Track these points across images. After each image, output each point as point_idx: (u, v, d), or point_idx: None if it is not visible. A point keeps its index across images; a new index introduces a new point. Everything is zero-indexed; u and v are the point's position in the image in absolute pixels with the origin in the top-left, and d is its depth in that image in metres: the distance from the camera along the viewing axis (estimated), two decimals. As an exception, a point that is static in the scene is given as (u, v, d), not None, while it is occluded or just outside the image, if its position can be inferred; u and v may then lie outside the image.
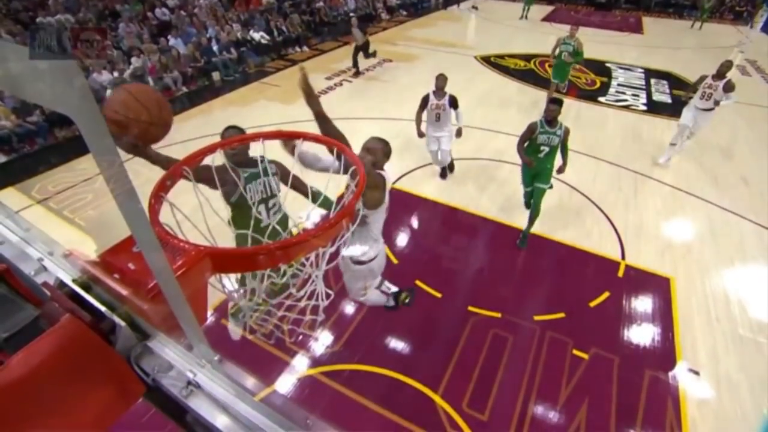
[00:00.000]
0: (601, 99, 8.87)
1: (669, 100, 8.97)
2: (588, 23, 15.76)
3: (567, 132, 4.31)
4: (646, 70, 10.71)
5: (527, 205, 4.88)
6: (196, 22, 10.47)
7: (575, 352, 3.63)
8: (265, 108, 8.30)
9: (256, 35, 11.13)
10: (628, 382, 3.40)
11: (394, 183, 5.84)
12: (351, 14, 13.23)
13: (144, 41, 9.38)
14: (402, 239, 4.90)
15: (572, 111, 8.24)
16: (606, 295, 4.20)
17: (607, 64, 11.01)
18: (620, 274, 4.45)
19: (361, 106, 8.30)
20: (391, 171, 5.81)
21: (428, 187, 5.80)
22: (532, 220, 4.67)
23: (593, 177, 6.09)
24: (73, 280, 0.96)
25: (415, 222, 5.22)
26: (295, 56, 11.53)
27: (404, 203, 5.46)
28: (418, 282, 4.26)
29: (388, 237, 4.88)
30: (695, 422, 3.13)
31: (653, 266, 4.53)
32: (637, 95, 9.16)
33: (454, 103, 5.37)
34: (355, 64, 9.93)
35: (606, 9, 19.26)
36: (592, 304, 4.11)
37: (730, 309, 4.06)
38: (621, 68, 10.82)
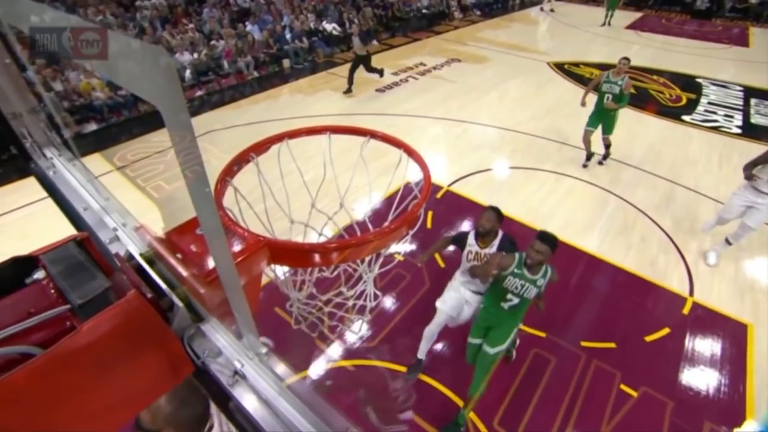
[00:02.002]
0: (686, 117, 8.12)
1: (771, 124, 8.01)
2: (681, 33, 14.47)
3: (552, 280, 2.85)
4: (746, 89, 9.63)
5: (470, 359, 3.20)
6: (273, 10, 10.87)
7: (623, 387, 3.38)
8: (329, 98, 8.47)
9: (329, 26, 11.36)
10: (682, 430, 3.10)
11: (450, 186, 5.74)
12: (354, 21, 11.03)
13: (224, 26, 9.90)
14: (450, 244, 4.80)
15: (650, 127, 7.63)
16: (666, 331, 3.86)
17: (698, 80, 10.05)
18: (685, 311, 4.07)
19: (425, 104, 8.22)
20: (447, 174, 5.73)
21: (483, 192, 5.63)
22: (470, 397, 3.06)
23: (666, 202, 5.61)
24: (141, 254, 1.01)
25: (466, 227, 5.10)
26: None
27: (458, 207, 5.35)
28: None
29: (438, 239, 4.80)
30: (758, 489, 2.80)
31: (728, 308, 4.09)
32: (731, 116, 8.27)
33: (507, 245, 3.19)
34: (350, 79, 8.49)
35: (705, 17, 17.36)
36: (649, 338, 3.80)
37: (817, 369, 3.58)
38: (714, 84, 9.82)
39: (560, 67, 10.50)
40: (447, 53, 11.29)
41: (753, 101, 9.00)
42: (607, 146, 6.16)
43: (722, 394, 3.37)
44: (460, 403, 3.20)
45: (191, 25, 9.56)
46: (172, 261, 0.94)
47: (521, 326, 3.59)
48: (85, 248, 0.93)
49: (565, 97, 8.83)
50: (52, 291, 0.83)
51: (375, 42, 9.46)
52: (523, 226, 5.07)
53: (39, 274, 0.87)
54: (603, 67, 10.55)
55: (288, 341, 3.51)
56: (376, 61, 10.73)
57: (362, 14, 12.18)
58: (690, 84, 9.77)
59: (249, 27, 10.16)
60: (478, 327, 3.13)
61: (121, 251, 1.04)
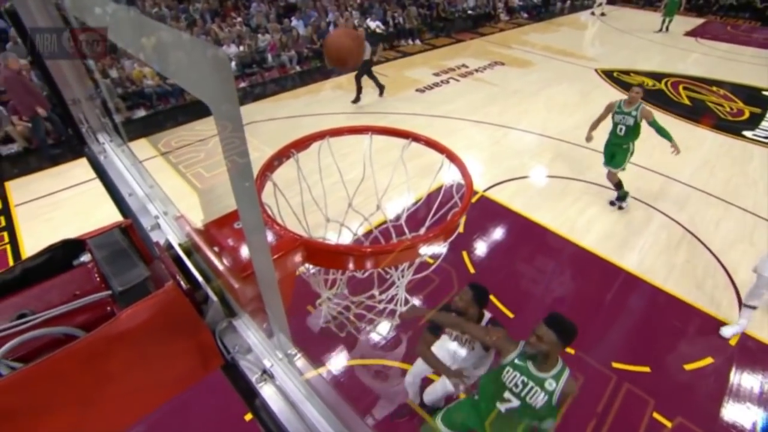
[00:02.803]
0: (747, 133, 7.57)
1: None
2: (749, 41, 13.50)
3: (568, 392, 2.08)
4: (818, 104, 8.89)
5: None
6: (319, 6, 11.02)
7: (656, 415, 3.19)
8: (370, 96, 8.48)
9: (372, 24, 11.40)
10: (720, 469, 2.90)
11: (485, 191, 5.62)
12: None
13: (270, 20, 10.12)
14: (481, 249, 4.70)
15: (705, 142, 7.18)
16: (708, 360, 3.62)
17: (765, 92, 9.36)
18: (733, 342, 3.80)
19: (465, 106, 8.09)
20: (484, 179, 5.62)
21: (519, 200, 5.48)
22: None
23: (717, 222, 5.26)
24: (179, 244, 1.02)
25: (499, 234, 4.98)
26: (406, 48, 11.60)
27: (492, 213, 5.23)
28: (491, 297, 4.06)
29: (469, 244, 4.72)
30: None
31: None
32: (799, 134, 7.66)
33: None
34: (358, 88, 8.06)
35: (775, 24, 15.93)
36: (688, 367, 3.57)
37: None
38: (782, 99, 9.12)
39: (609, 75, 10.05)
40: (490, 56, 11.07)
41: (824, 119, 8.29)
42: (616, 185, 5.27)
43: (768, 434, 3.13)
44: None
45: (239, 19, 9.84)
46: (209, 254, 0.95)
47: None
48: (129, 235, 0.95)
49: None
50: (96, 276, 0.86)
51: (380, 47, 9.33)
52: (558, 237, 4.90)
53: (85, 258, 0.90)
54: (656, 76, 10.05)
55: (315, 339, 3.55)
56: (419, 60, 10.73)
57: (407, 12, 12.14)
58: (755, 97, 9.11)
59: (294, 22, 10.35)
60: (457, 422, 2.42)
61: (161, 240, 1.07)
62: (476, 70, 9.98)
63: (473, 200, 5.35)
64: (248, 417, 2.99)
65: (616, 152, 5.16)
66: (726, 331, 3.80)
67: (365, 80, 8.07)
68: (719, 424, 3.17)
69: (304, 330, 3.51)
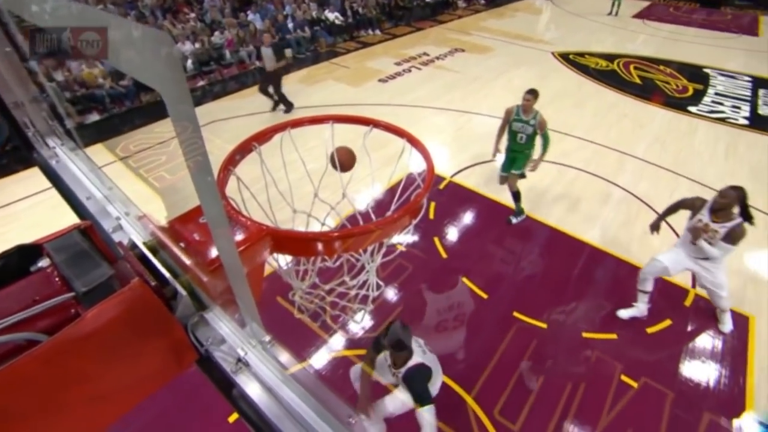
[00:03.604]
0: (692, 108, 8.03)
1: (780, 115, 7.92)
2: (689, 22, 14.22)
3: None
4: (755, 79, 9.50)
5: None
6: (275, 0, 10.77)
7: (623, 377, 3.39)
8: (333, 88, 8.41)
9: (331, 15, 11.25)
10: (682, 421, 3.12)
11: (453, 177, 5.72)
12: (261, 30, 9.49)
13: (225, 15, 9.81)
14: (452, 234, 4.80)
15: (656, 119, 7.56)
16: (667, 323, 3.86)
17: (705, 70, 9.92)
18: (687, 303, 4.07)
19: (428, 94, 8.16)
20: (450, 164, 5.71)
21: (486, 184, 5.61)
22: None
23: (670, 194, 5.56)
24: (144, 243, 1.01)
25: (468, 218, 5.09)
26: (367, 39, 11.54)
27: (461, 198, 5.34)
28: (464, 279, 4.17)
29: (440, 230, 4.81)
30: (757, 480, 2.82)
31: (730, 301, 4.08)
32: (738, 107, 8.17)
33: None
34: (276, 97, 7.21)
35: (714, 6, 16.91)
36: (650, 330, 3.80)
37: (818, 361, 3.58)
38: (722, 75, 9.69)
39: (565, 57, 10.38)
40: (450, 43, 11.19)
41: (762, 92, 8.88)
42: (515, 194, 4.92)
43: (722, 385, 3.38)
44: (465, 395, 3.22)
45: (193, 14, 9.49)
46: (176, 249, 0.94)
47: (520, 316, 3.62)
48: (89, 237, 0.93)
49: (569, 87, 8.75)
50: (57, 279, 0.84)
51: (288, 56, 8.62)
52: (525, 217, 5.06)
53: (43, 263, 0.88)
54: (608, 57, 10.45)
55: (290, 331, 3.54)
56: (380, 50, 10.69)
57: (365, 2, 12.05)
58: (697, 74, 9.65)
59: (251, 16, 10.08)
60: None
61: (125, 240, 1.05)
62: (437, 58, 10.06)
63: (441, 187, 5.44)
64: (232, 419, 2.97)
65: (517, 158, 4.82)
66: (622, 313, 3.86)
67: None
68: (678, 380, 3.41)
69: (278, 323, 3.50)
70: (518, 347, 3.58)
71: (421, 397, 2.27)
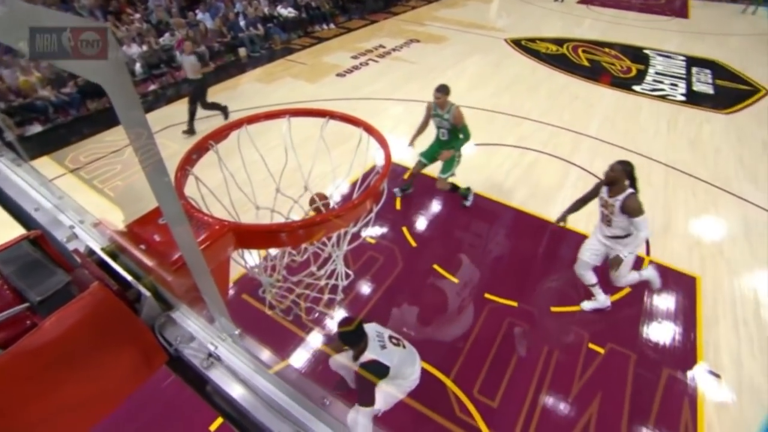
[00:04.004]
0: (636, 88, 8.47)
1: (711, 91, 8.50)
2: (629, 6, 14.95)
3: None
4: (688, 58, 10.13)
5: None
6: (225, -4, 10.43)
7: (591, 345, 3.59)
8: (291, 85, 8.29)
9: (284, 11, 11.03)
10: (644, 379, 3.34)
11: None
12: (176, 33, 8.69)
13: (173, 15, 9.43)
14: (421, 223, 4.88)
15: (605, 99, 7.93)
16: (627, 290, 4.10)
17: (645, 51, 10.48)
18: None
19: (387, 86, 8.19)
20: (414, 155, 5.76)
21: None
22: None
23: (622, 169, 5.88)
24: (102, 249, 0.98)
25: (435, 207, 5.18)
26: (321, 33, 11.40)
27: (426, 187, 5.41)
28: (435, 266, 4.25)
29: (408, 220, 4.87)
30: (712, 425, 3.07)
31: (679, 264, 4.38)
32: (676, 85, 8.70)
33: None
34: (191, 118, 6.42)
35: (651, -9, 17.84)
36: (612, 299, 4.02)
37: (759, 313, 3.91)
38: (660, 55, 10.27)
39: (517, 44, 10.66)
40: (405, 34, 11.24)
41: (694, 70, 9.50)
42: (452, 190, 4.97)
43: (677, 342, 3.64)
44: (445, 379, 3.30)
45: (137, 15, 9.06)
46: (136, 252, 0.92)
47: (491, 297, 3.77)
48: (40, 246, 0.90)
49: (523, 73, 9.02)
50: (7, 291, 0.80)
51: (212, 65, 8.16)
52: (489, 201, 5.21)
53: (-8, 277, 0.84)
54: (558, 41, 10.82)
55: (262, 329, 3.50)
56: (335, 45, 10.60)
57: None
58: (638, 55, 10.18)
59: (200, 15, 9.72)
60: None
61: (81, 248, 1.01)
62: (393, 50, 10.09)
63: (406, 177, 5.49)
64: (213, 427, 2.92)
65: (439, 152, 4.77)
66: (585, 305, 3.92)
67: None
68: (641, 341, 3.64)
69: (249, 322, 3.46)
70: (491, 327, 3.70)
71: (360, 396, 2.34)
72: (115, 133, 6.47)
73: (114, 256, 0.97)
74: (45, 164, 5.84)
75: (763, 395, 3.27)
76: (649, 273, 3.86)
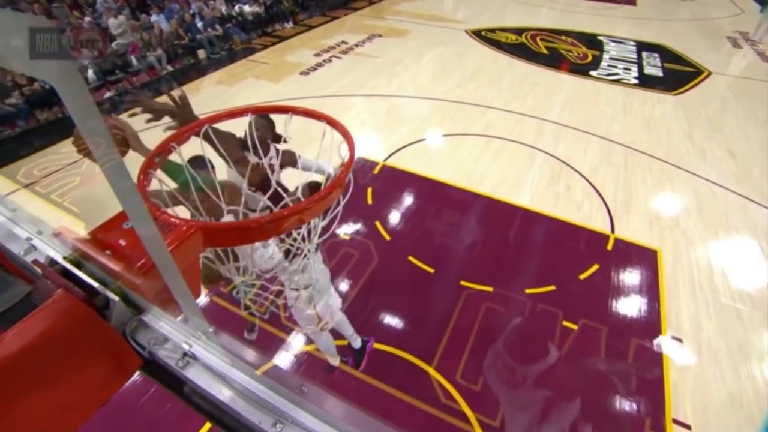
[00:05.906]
0: (593, 73, 8.80)
1: (660, 74, 8.93)
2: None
3: None
4: (638, 43, 10.60)
5: None
6: (179, -3, 10.09)
7: (565, 323, 3.73)
8: (254, 86, 8.13)
9: (246, 7, 10.78)
10: (615, 350, 3.51)
11: (386, 160, 5.81)
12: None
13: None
14: (394, 216, 4.92)
15: (564, 84, 8.19)
16: (595, 267, 4.28)
17: (599, 37, 10.88)
18: (609, 247, 4.53)
19: (352, 82, 8.16)
20: (383, 148, 5.81)
21: (419, 163, 5.78)
22: None
23: (584, 152, 6.11)
24: (64, 258, 0.96)
25: (406, 198, 5.23)
26: (282, 32, 11.22)
27: (396, 180, 5.45)
28: (410, 258, 4.30)
29: (380, 214, 4.90)
30: (676, 386, 3.26)
31: (641, 239, 4.61)
32: (629, 69, 9.09)
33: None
34: None
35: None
36: (582, 276, 4.19)
37: (713, 278, 4.18)
38: (613, 41, 10.70)
39: (478, 34, 10.84)
40: (367, 29, 11.22)
41: (644, 54, 9.95)
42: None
43: (643, 312, 3.84)
44: (427, 367, 3.36)
45: (87, 19, 8.64)
46: (102, 258, 0.90)
47: (467, 284, 3.85)
48: (-3, 259, 0.87)
49: (485, 63, 9.18)
50: (-35, 307, 0.77)
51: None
52: (459, 190, 5.30)
53: (-55, 294, 0.81)
54: (517, 31, 11.08)
55: (238, 331, 3.46)
56: (297, 43, 10.48)
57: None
58: (593, 42, 10.56)
59: (154, 17, 9.36)
60: None
61: (41, 258, 0.98)
62: (356, 45, 10.06)
63: (375, 171, 5.52)
64: (195, 435, 2.87)
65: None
66: None
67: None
68: (610, 315, 3.81)
69: (222, 324, 3.41)
70: (470, 313, 3.79)
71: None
72: (71, 144, 6.18)
73: (78, 265, 0.94)
74: (-6, 181, 5.52)
75: (721, 353, 3.51)
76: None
